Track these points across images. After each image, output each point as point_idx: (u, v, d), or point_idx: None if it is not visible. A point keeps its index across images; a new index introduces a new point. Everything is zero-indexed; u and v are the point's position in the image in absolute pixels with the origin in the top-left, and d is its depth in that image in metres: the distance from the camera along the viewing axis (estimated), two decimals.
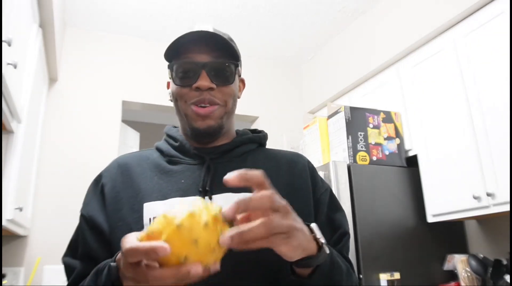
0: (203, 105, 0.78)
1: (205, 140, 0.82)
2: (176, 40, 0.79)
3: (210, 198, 0.75)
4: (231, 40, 0.84)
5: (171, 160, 0.82)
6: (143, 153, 0.87)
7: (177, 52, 0.81)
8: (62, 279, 2.56)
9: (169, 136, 0.88)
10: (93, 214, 0.78)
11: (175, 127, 0.91)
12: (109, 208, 0.77)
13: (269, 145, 0.89)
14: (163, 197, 0.76)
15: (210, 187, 0.76)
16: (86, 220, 0.78)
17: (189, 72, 0.79)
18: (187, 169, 0.80)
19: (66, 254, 0.81)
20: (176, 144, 0.84)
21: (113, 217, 0.76)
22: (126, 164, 0.83)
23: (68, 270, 0.78)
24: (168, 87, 0.90)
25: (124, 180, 0.80)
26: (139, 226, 0.72)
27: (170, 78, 0.85)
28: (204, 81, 0.77)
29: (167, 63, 0.85)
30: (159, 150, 0.86)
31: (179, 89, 0.81)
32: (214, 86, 0.78)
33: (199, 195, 0.76)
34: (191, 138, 0.83)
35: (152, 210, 0.74)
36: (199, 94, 0.78)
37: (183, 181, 0.78)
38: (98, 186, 0.81)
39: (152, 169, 0.81)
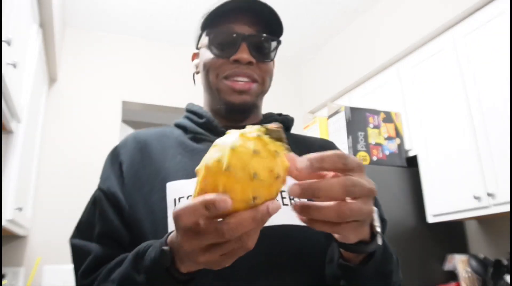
0: (239, 79, 0.73)
1: (237, 116, 0.77)
2: (218, 7, 0.72)
3: None
4: None
5: (195, 138, 0.76)
6: (162, 130, 0.80)
7: (216, 19, 0.74)
8: (62, 279, 2.55)
9: (192, 112, 0.80)
10: (114, 190, 0.71)
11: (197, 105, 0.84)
12: (128, 187, 0.71)
13: None
14: (188, 175, 0.69)
15: None
16: (107, 195, 0.71)
17: (228, 43, 0.73)
18: None
19: (75, 236, 0.71)
20: (202, 120, 0.77)
21: (133, 197, 0.70)
22: (145, 140, 0.76)
23: (80, 253, 0.68)
24: (193, 59, 0.84)
25: (143, 157, 0.74)
26: (162, 207, 0.67)
27: (199, 48, 0.79)
28: (244, 54, 0.71)
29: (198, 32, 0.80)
30: (181, 127, 0.80)
31: (214, 59, 0.74)
32: (254, 60, 0.73)
33: None
34: (221, 115, 0.77)
35: (177, 189, 0.68)
36: (235, 67, 0.72)
37: None
38: (115, 162, 0.74)
39: (174, 147, 0.75)
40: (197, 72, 0.82)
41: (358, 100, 2.88)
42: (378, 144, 2.41)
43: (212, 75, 0.74)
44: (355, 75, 2.95)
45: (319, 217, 0.42)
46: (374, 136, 2.42)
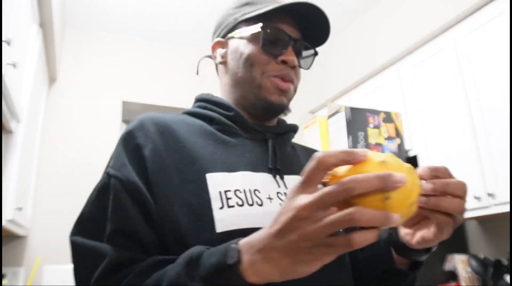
0: (281, 78, 0.72)
1: (269, 116, 0.76)
2: (280, 6, 0.70)
3: (282, 178, 0.69)
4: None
5: (225, 130, 0.71)
6: (180, 116, 0.72)
7: (268, 15, 0.71)
8: (62, 279, 2.55)
9: (215, 103, 0.75)
10: (135, 180, 0.60)
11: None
12: (154, 176, 0.61)
13: None
14: (231, 169, 0.65)
15: (280, 166, 0.70)
16: (125, 185, 0.60)
17: (278, 43, 0.71)
18: (247, 144, 0.71)
19: (77, 233, 0.60)
20: (230, 113, 0.72)
21: (161, 188, 0.61)
22: (165, 123, 0.67)
23: (88, 255, 0.58)
24: (215, 47, 0.79)
25: (167, 142, 0.65)
26: (203, 200, 0.60)
27: (229, 38, 0.76)
28: (292, 57, 0.71)
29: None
30: (202, 116, 0.73)
31: (260, 55, 0.71)
32: (297, 65, 0.73)
33: (270, 173, 0.68)
34: (248, 111, 0.75)
35: (220, 182, 0.62)
36: (283, 68, 0.71)
37: (247, 155, 0.69)
38: (130, 146, 0.64)
39: (201, 136, 0.69)
40: (222, 63, 0.78)
41: (358, 100, 2.88)
42: (378, 144, 2.41)
43: (256, 71, 0.71)
44: (355, 75, 2.95)
45: (447, 205, 0.50)
46: (374, 136, 2.42)
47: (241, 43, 0.74)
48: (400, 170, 0.43)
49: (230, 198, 0.61)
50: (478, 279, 2.15)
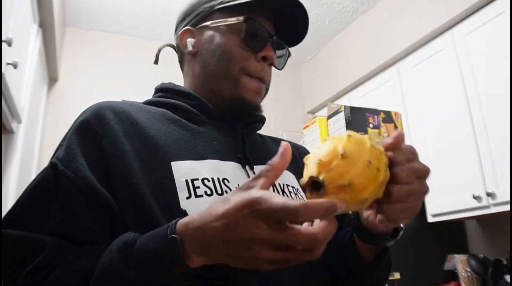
0: (260, 78, 0.70)
1: (242, 114, 0.73)
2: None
3: (252, 168, 0.66)
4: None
5: (191, 118, 0.68)
6: (140, 105, 0.69)
7: (249, 6, 0.68)
8: None
9: (178, 92, 0.71)
10: (88, 176, 0.55)
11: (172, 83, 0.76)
12: (113, 167, 0.57)
13: None
14: (198, 156, 0.62)
15: (249, 156, 0.68)
16: (76, 184, 0.55)
17: (259, 37, 0.68)
18: (214, 131, 0.68)
19: (8, 226, 0.54)
20: (194, 102, 0.69)
21: (119, 179, 0.56)
22: (124, 110, 0.63)
23: (19, 244, 0.52)
24: (185, 36, 0.73)
25: (127, 129, 0.61)
26: (164, 189, 0.57)
27: (202, 27, 0.71)
28: (272, 53, 0.69)
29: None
30: (166, 105, 0.69)
31: (240, 50, 0.68)
32: (275, 63, 0.72)
33: (239, 162, 0.65)
34: (225, 107, 0.70)
35: (187, 170, 0.59)
36: (262, 66, 0.69)
37: (215, 142, 0.66)
38: (86, 136, 0.59)
39: (165, 123, 0.65)
40: (193, 53, 0.73)
41: (358, 100, 2.88)
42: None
43: (234, 66, 0.68)
44: (355, 75, 2.95)
45: (423, 172, 0.50)
46: (374, 136, 2.42)
47: (217, 34, 0.70)
48: (362, 156, 0.44)
49: (198, 187, 0.58)
50: (478, 279, 2.15)
